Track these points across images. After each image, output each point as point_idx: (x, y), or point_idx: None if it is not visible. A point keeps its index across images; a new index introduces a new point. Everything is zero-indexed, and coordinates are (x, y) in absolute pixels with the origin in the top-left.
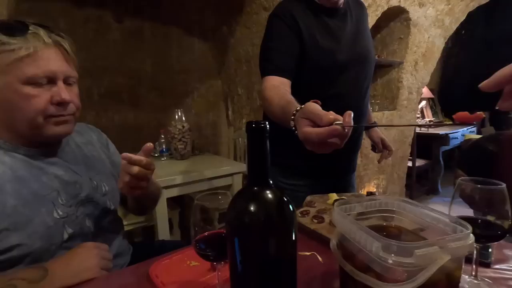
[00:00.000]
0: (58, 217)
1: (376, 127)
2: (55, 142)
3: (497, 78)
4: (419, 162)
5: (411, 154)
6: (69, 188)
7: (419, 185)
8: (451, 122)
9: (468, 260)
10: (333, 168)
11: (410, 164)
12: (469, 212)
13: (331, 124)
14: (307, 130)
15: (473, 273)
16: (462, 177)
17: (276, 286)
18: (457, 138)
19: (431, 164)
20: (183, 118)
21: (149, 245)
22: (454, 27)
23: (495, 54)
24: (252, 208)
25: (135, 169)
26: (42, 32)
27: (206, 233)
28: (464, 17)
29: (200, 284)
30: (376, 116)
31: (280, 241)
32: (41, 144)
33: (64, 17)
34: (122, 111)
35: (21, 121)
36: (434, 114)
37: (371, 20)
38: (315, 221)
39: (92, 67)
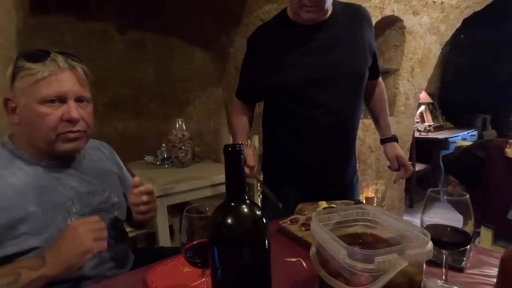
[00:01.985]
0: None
1: (395, 142)
2: (71, 156)
3: None
4: (419, 167)
5: (410, 159)
6: (82, 198)
7: (419, 189)
8: (452, 126)
9: (441, 265)
10: (325, 184)
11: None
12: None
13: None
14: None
15: (444, 277)
16: (432, 189)
17: (252, 283)
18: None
19: (431, 168)
20: (184, 127)
21: (149, 251)
22: (450, 33)
23: (495, 57)
24: (229, 221)
25: (145, 197)
26: (59, 58)
27: (195, 242)
28: (459, 24)
29: None
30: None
31: (253, 250)
32: (58, 158)
33: (70, 30)
34: (125, 120)
35: (38, 137)
36: (434, 118)
37: None
38: (303, 228)
39: (96, 77)
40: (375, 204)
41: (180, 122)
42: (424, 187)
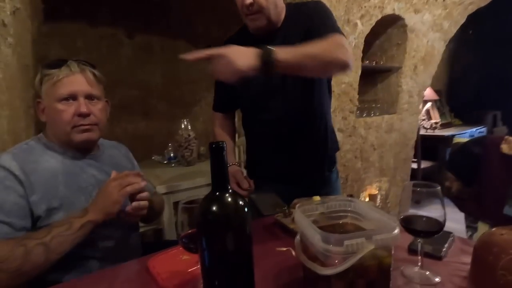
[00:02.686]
0: None
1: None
2: (91, 148)
3: None
4: (425, 164)
5: (415, 156)
6: (101, 185)
7: None
8: (460, 123)
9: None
10: (298, 170)
11: (415, 166)
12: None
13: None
14: (233, 187)
15: (420, 264)
16: (408, 182)
17: (235, 271)
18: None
19: (438, 165)
20: (189, 127)
21: (156, 244)
22: (454, 30)
23: (505, 52)
24: (213, 208)
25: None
26: (73, 63)
27: (190, 231)
28: (464, 20)
29: (188, 273)
30: (376, 120)
31: (236, 233)
32: (80, 150)
33: (81, 36)
34: (134, 121)
35: (59, 130)
36: (442, 115)
37: (366, 29)
38: None
39: (106, 80)
40: (378, 201)
41: (186, 122)
42: None
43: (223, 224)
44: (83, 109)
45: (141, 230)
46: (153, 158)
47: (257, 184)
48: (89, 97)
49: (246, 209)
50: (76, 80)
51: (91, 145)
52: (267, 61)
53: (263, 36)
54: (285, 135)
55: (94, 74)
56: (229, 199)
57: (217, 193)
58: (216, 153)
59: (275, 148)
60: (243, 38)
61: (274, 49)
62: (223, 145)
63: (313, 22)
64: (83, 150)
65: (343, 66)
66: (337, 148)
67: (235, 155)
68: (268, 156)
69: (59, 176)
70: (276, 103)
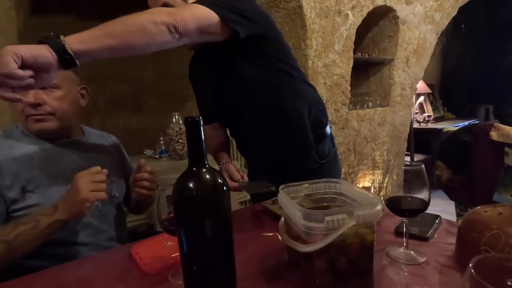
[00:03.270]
0: None
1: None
2: (64, 134)
3: None
4: (418, 157)
5: (408, 149)
6: (82, 171)
7: None
8: (453, 116)
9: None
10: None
11: (408, 159)
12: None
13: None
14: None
15: (404, 244)
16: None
17: (213, 250)
18: None
19: (431, 158)
20: (180, 121)
21: (147, 234)
22: (446, 22)
23: (497, 46)
24: (190, 185)
25: (146, 174)
26: None
27: (171, 215)
28: (455, 12)
29: (171, 259)
30: (369, 112)
31: (214, 211)
32: (54, 136)
33: (69, 30)
34: (126, 116)
35: (20, 119)
36: (435, 109)
37: (357, 21)
38: None
39: (97, 75)
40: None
41: (177, 116)
42: None
43: (200, 201)
44: (30, 99)
45: (133, 224)
46: (144, 152)
47: (251, 176)
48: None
49: (224, 186)
50: None
51: (51, 134)
52: (63, 58)
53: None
54: (267, 144)
55: None
56: (207, 175)
57: (194, 169)
58: (192, 127)
59: (261, 150)
60: (206, 55)
61: (63, 39)
62: (199, 119)
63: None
64: (56, 136)
65: (163, 31)
66: (324, 135)
67: (226, 155)
68: (256, 155)
69: (35, 160)
70: (247, 118)
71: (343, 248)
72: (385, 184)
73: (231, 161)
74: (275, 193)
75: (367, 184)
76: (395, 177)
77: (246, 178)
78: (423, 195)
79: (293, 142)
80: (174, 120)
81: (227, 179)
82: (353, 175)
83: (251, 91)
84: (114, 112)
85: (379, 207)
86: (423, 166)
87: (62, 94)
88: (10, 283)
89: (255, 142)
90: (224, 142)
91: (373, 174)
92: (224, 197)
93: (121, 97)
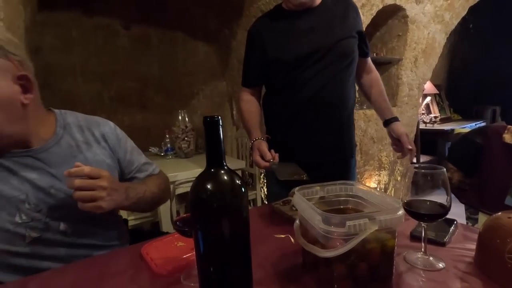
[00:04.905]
0: (20, 221)
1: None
2: (21, 144)
3: None
4: (425, 158)
5: None
6: (40, 193)
7: None
8: (459, 118)
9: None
10: (323, 145)
11: (414, 160)
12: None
13: (268, 160)
14: (257, 159)
15: (423, 249)
16: (410, 165)
17: (230, 253)
18: None
19: (437, 160)
20: (186, 119)
21: (152, 232)
22: (456, 22)
23: (505, 46)
24: (208, 186)
25: (77, 181)
26: None
27: (184, 215)
28: (465, 12)
29: (183, 260)
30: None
31: (232, 213)
32: (12, 145)
33: (76, 26)
34: (131, 113)
35: None
36: (442, 110)
37: (366, 20)
38: (294, 208)
39: (102, 72)
40: None
41: (183, 114)
42: None
43: (218, 203)
44: None
45: (137, 222)
46: (150, 150)
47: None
48: None
49: (242, 188)
50: None
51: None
52: None
53: (301, 11)
54: (312, 119)
55: None
56: (225, 177)
57: (212, 170)
58: (211, 127)
59: (300, 134)
60: (278, 14)
61: None
62: (218, 119)
63: (357, 22)
64: (16, 145)
65: None
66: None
67: (260, 132)
68: (290, 142)
69: None
70: (310, 75)
71: (363, 254)
72: (391, 186)
73: (263, 139)
74: (306, 182)
75: (373, 185)
76: (398, 178)
77: (277, 159)
78: (442, 199)
79: (339, 129)
80: (180, 117)
81: (257, 157)
82: (359, 175)
83: (340, 62)
84: (119, 109)
85: (401, 212)
86: (445, 170)
87: None
88: (21, 281)
89: (302, 121)
90: (259, 111)
91: (379, 175)
92: (242, 199)
93: (126, 94)
